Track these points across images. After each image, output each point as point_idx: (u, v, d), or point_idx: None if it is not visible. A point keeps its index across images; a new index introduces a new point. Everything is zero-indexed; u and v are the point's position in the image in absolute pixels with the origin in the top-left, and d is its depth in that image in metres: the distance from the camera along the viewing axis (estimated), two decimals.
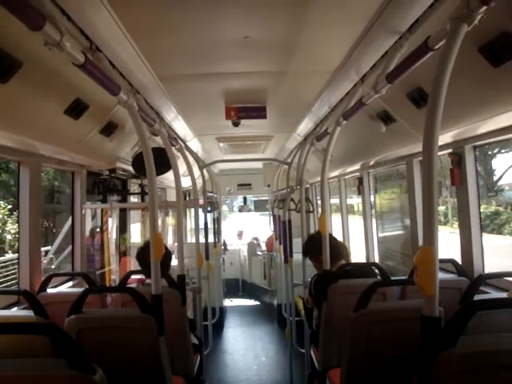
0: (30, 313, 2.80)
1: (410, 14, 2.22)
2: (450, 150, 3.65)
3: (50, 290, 3.69)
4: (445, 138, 3.43)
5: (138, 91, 3.38)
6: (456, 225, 8.40)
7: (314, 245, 3.84)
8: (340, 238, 5.16)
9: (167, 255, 3.95)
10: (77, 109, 3.21)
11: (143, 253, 3.80)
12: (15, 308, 3.47)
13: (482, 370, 1.53)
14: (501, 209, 10.35)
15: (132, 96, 2.63)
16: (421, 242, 1.57)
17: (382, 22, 2.35)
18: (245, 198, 11.72)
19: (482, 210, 3.62)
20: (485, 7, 1.51)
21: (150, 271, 2.61)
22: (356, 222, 7.00)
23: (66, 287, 4.23)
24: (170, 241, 8.72)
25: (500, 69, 2.22)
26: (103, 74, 2.25)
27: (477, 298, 2.75)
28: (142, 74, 3.15)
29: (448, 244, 3.93)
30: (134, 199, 6.68)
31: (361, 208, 6.33)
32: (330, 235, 3.79)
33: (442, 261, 3.69)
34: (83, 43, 2.25)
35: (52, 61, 2.50)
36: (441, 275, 3.60)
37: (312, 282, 3.81)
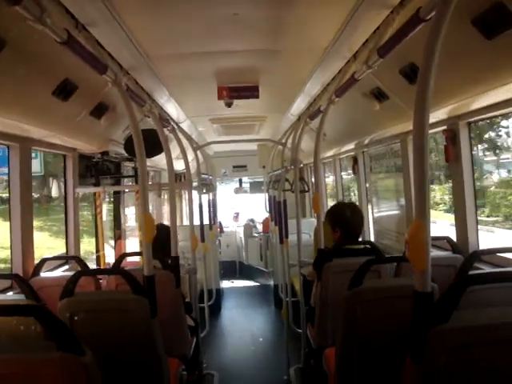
0: (21, 297, 2.78)
1: None
2: (445, 127, 3.62)
3: (43, 274, 3.67)
4: (438, 114, 3.39)
5: (127, 72, 3.33)
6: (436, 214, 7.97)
7: (333, 214, 3.80)
8: None
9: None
10: (66, 90, 3.15)
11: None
12: (11, 293, 3.44)
13: (476, 345, 1.52)
14: None
15: (121, 75, 2.58)
16: None
17: None
18: (240, 180, 11.69)
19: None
20: None
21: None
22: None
23: (60, 271, 4.21)
24: (165, 223, 8.67)
25: (494, 41, 2.18)
26: (88, 52, 2.21)
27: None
28: (131, 54, 3.08)
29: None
30: (128, 182, 6.63)
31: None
32: (353, 208, 3.81)
33: (436, 238, 3.69)
34: (67, 21, 2.19)
35: (37, 40, 2.42)
36: (435, 253, 3.62)
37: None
